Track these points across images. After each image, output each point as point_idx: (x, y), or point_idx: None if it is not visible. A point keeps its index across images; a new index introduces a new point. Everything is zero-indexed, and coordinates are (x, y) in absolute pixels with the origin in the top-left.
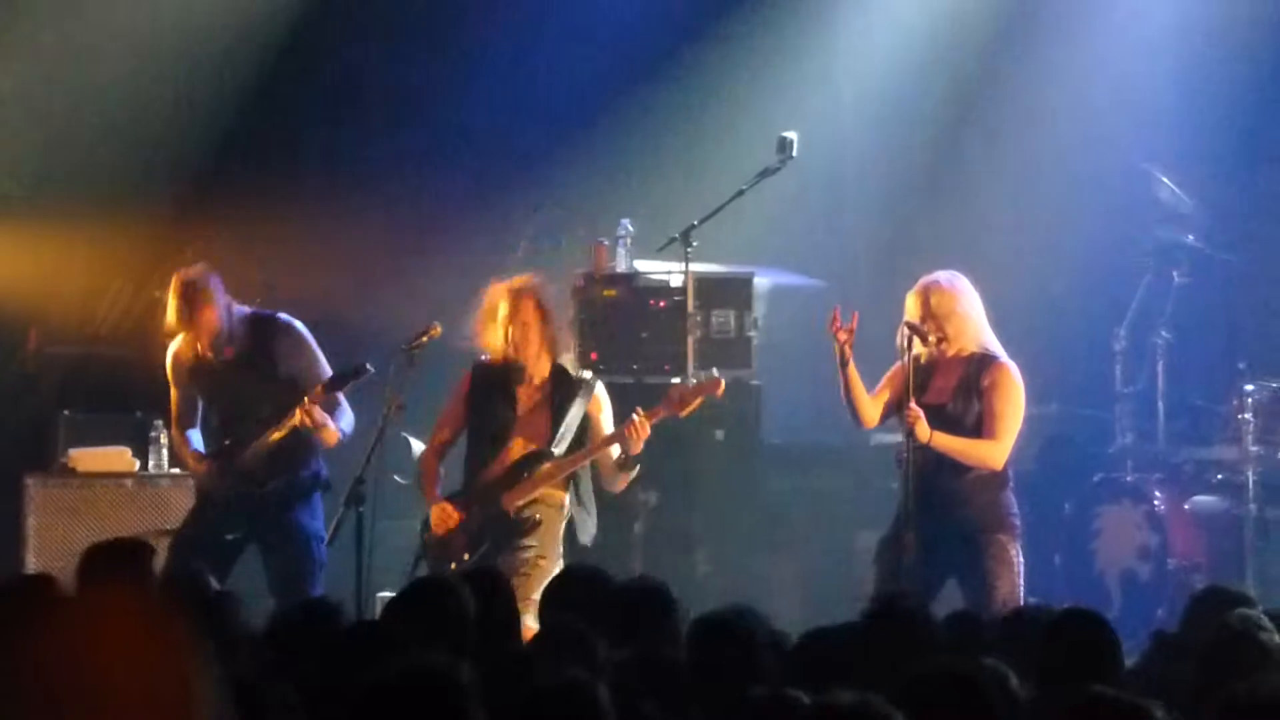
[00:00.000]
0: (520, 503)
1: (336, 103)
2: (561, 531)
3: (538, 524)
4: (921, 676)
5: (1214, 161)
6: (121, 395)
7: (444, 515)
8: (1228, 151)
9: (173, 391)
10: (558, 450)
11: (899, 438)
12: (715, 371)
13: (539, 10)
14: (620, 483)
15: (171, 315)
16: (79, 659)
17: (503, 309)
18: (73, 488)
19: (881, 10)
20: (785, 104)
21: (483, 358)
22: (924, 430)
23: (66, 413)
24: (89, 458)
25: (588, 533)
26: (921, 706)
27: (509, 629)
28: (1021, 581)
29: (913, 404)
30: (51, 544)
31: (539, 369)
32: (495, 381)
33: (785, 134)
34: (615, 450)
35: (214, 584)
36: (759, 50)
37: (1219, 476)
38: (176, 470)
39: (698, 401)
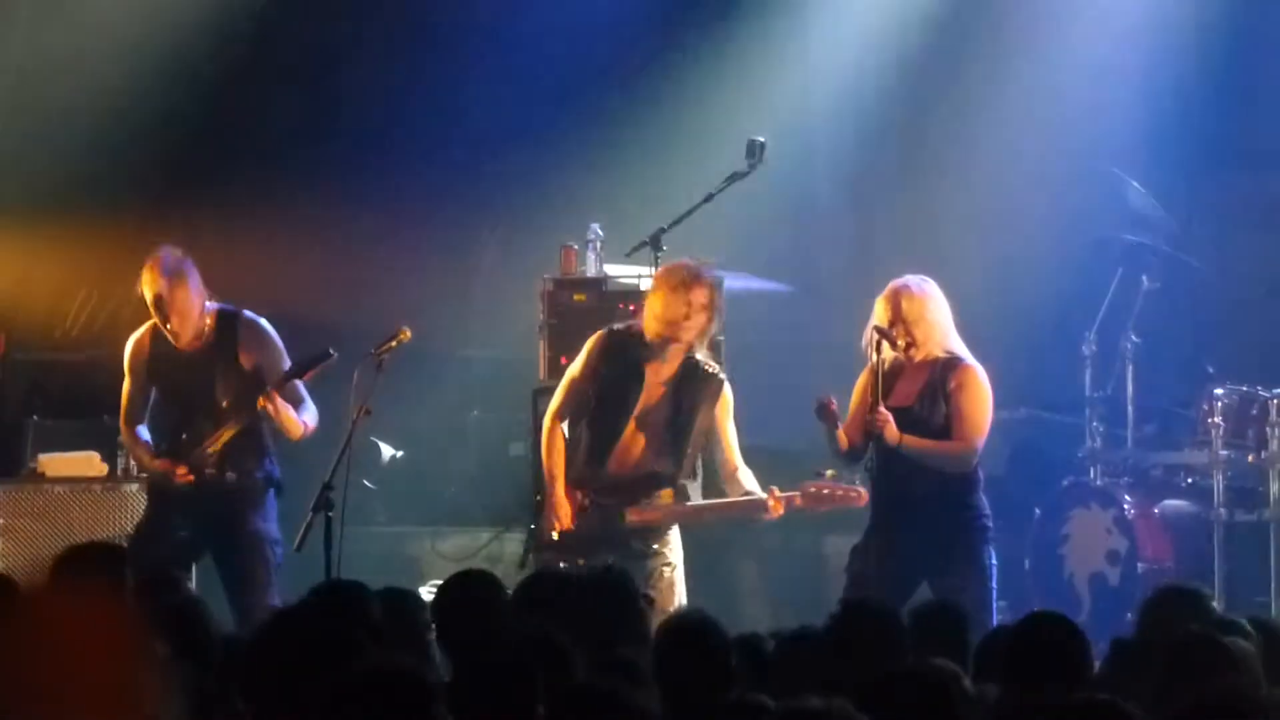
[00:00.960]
0: (639, 523)
1: (304, 107)
2: (677, 529)
3: (660, 537)
4: (879, 679)
5: (1181, 166)
6: (89, 400)
7: (562, 511)
8: (1195, 157)
9: (126, 383)
10: (683, 473)
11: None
12: (858, 481)
13: (509, 13)
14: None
15: (146, 292)
16: (33, 655)
17: (695, 287)
18: (41, 493)
19: (850, 15)
20: (755, 108)
21: (616, 325)
22: (893, 433)
23: (35, 418)
24: (58, 463)
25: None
26: (880, 709)
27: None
28: (994, 584)
29: (881, 408)
30: (20, 549)
31: (676, 354)
32: (628, 353)
33: (755, 138)
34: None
35: (189, 588)
36: (728, 55)
37: (1188, 480)
38: (145, 475)
39: (830, 508)
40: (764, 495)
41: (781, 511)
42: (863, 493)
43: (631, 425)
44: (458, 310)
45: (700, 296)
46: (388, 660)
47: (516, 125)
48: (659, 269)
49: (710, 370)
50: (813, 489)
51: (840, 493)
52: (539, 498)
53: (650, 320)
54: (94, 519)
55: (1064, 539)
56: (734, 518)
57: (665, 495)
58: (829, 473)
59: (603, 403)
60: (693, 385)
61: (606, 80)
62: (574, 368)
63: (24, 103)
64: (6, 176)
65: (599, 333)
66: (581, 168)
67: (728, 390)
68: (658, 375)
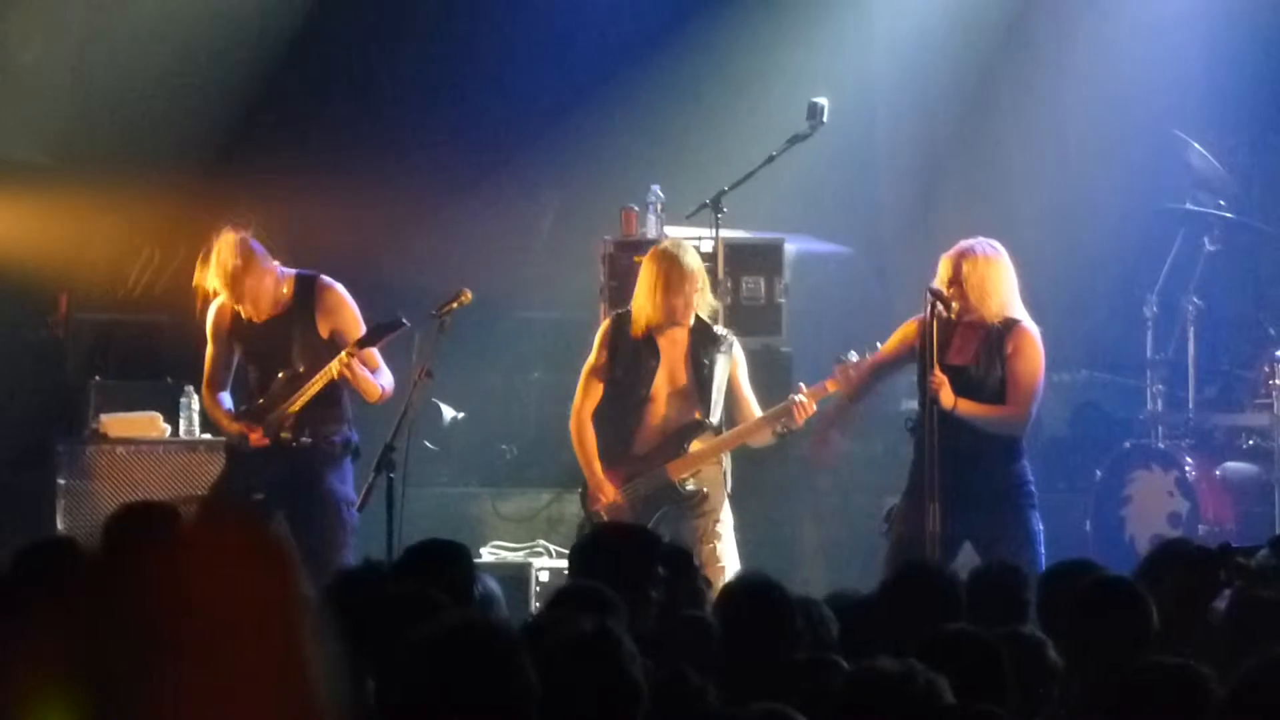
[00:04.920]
0: (685, 475)
1: (365, 65)
2: (725, 483)
3: (707, 495)
4: (959, 642)
5: (1244, 128)
6: (152, 361)
7: (604, 489)
8: (1258, 118)
9: (209, 349)
10: (713, 417)
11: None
12: (880, 345)
13: None
14: (767, 440)
15: (215, 279)
16: (198, 596)
17: (655, 275)
18: (104, 453)
19: None
20: (816, 69)
21: (621, 310)
22: (949, 397)
23: (97, 379)
24: (120, 423)
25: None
26: (958, 672)
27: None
28: (1042, 549)
29: (938, 371)
30: (82, 509)
31: (687, 321)
32: (637, 331)
33: (816, 99)
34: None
35: None
36: (790, 14)
37: (1250, 442)
38: (207, 435)
39: (858, 378)
40: (791, 399)
41: (814, 406)
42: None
43: (656, 395)
44: (518, 272)
45: (694, 283)
46: (466, 615)
47: (578, 86)
48: (646, 256)
49: (719, 331)
50: (839, 371)
51: (868, 363)
52: (581, 490)
53: (648, 311)
54: (156, 480)
55: (1125, 501)
56: (771, 430)
57: (701, 447)
58: (853, 356)
59: (625, 383)
60: (707, 343)
61: (668, 42)
62: (590, 360)
63: (88, 64)
64: (70, 137)
65: (606, 321)
66: (643, 129)
67: (739, 349)
68: (672, 344)
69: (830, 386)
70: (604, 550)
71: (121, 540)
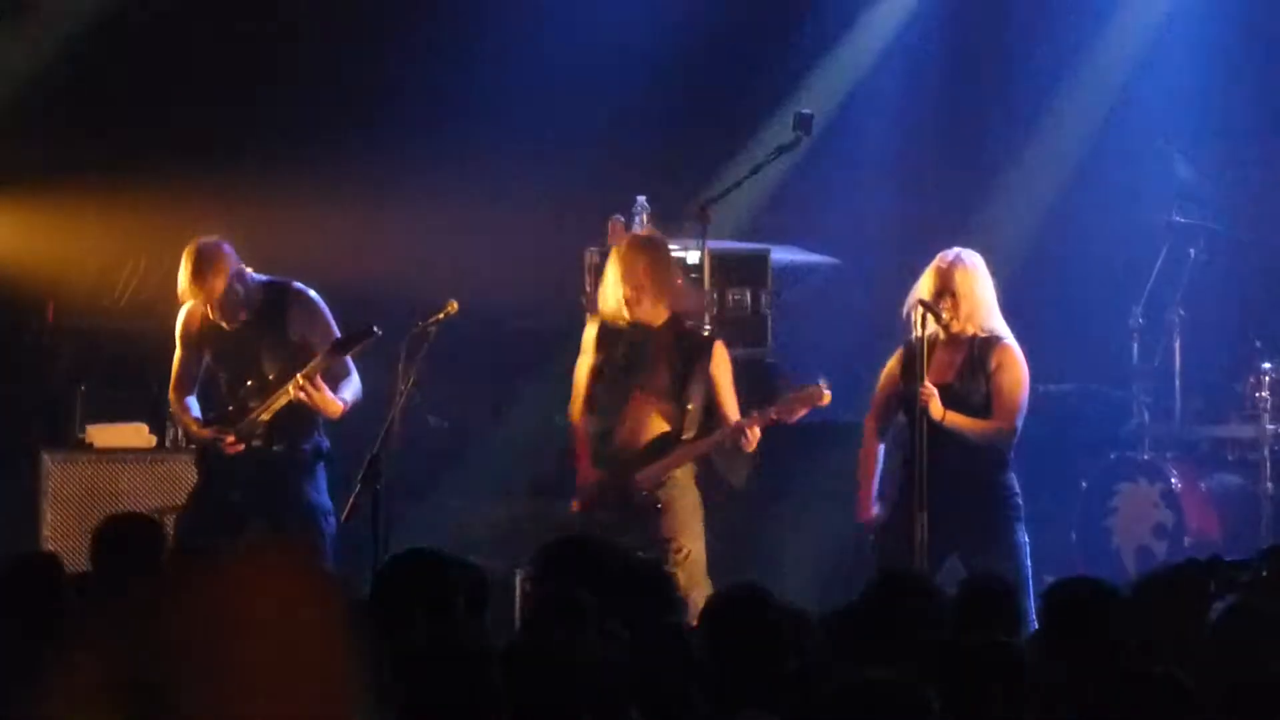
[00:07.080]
0: (651, 486)
1: (344, 75)
2: (698, 504)
3: (667, 509)
4: (945, 652)
5: (1232, 139)
6: (138, 370)
7: (588, 495)
8: (1246, 129)
9: (178, 353)
10: (686, 428)
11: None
12: (821, 382)
13: None
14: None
15: (183, 283)
16: (239, 623)
17: (613, 270)
18: (89, 463)
19: None
20: (802, 79)
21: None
22: (938, 409)
23: (83, 388)
24: (106, 433)
25: (739, 474)
26: (944, 681)
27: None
28: (1028, 562)
29: (927, 383)
30: (67, 519)
31: (656, 319)
32: (617, 332)
33: (802, 110)
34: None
35: None
36: (776, 25)
37: (1235, 454)
38: (194, 446)
39: (804, 410)
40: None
41: (758, 430)
42: (824, 389)
43: (635, 396)
44: (504, 283)
45: (614, 273)
46: (446, 633)
47: (564, 96)
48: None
49: (699, 332)
50: (784, 401)
51: (805, 393)
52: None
53: (609, 314)
54: (141, 490)
55: (1111, 512)
56: (723, 448)
57: (673, 454)
58: (822, 383)
59: (609, 383)
60: (685, 348)
61: (655, 52)
62: (581, 362)
63: (72, 73)
64: (56, 145)
65: (593, 323)
66: (629, 139)
67: (720, 349)
68: (655, 344)
69: (773, 415)
70: (556, 558)
71: (115, 553)
